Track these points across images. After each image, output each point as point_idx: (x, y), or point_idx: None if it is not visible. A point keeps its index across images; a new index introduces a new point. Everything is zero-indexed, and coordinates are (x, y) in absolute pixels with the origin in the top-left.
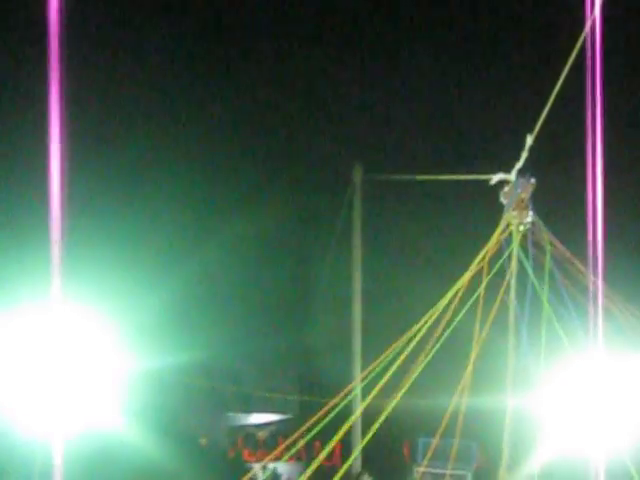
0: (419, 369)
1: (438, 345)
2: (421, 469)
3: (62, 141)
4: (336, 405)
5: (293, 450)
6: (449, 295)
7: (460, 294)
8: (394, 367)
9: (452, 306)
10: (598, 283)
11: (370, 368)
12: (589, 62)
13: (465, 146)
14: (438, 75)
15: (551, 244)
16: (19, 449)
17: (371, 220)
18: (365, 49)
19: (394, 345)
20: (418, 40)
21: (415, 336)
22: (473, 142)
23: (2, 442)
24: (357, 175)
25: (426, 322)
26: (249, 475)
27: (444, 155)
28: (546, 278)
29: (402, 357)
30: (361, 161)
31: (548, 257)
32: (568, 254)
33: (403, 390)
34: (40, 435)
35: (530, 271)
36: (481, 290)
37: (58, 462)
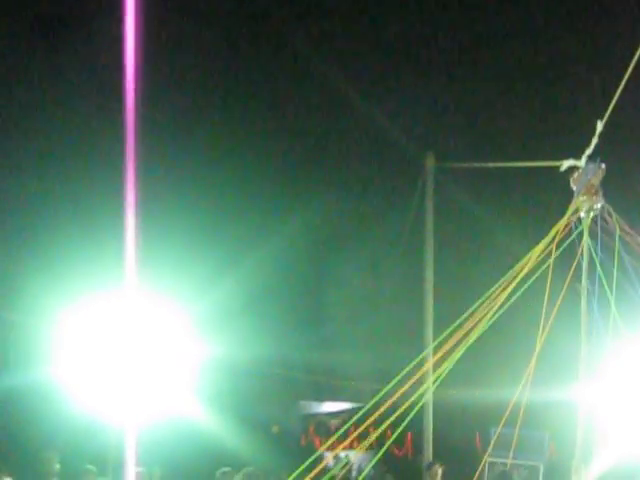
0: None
1: (490, 333)
2: (492, 459)
3: (136, 134)
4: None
5: (364, 439)
6: (517, 279)
7: (522, 277)
8: (458, 355)
9: (515, 290)
10: None
11: (440, 338)
12: None
13: (537, 132)
14: (506, 61)
15: (621, 229)
16: (94, 435)
17: (443, 208)
18: (433, 37)
19: (457, 334)
20: (484, 25)
21: (480, 323)
22: (545, 128)
23: (78, 427)
24: (429, 163)
25: (489, 310)
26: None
27: (516, 142)
28: (615, 263)
29: (467, 345)
30: (433, 149)
31: (617, 243)
32: (638, 239)
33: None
34: (115, 421)
35: (596, 256)
36: (550, 273)
37: (132, 448)
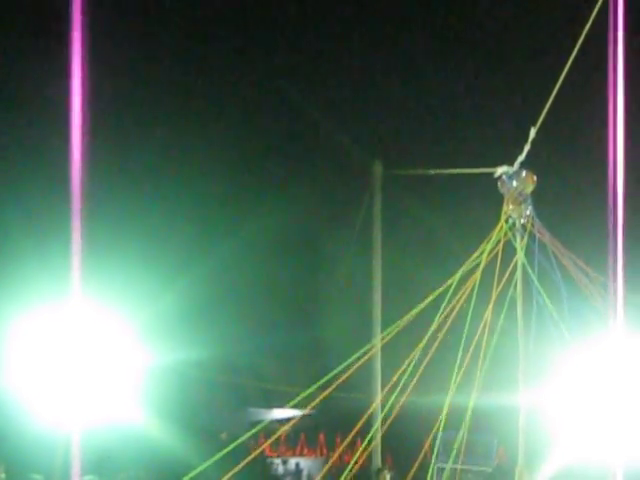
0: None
1: (436, 339)
2: (441, 465)
3: (83, 140)
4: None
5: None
6: (450, 287)
7: (456, 285)
8: (411, 363)
9: (458, 298)
10: (617, 279)
11: (387, 331)
12: (611, 47)
13: (477, 140)
14: (450, 71)
15: (542, 235)
16: (40, 443)
17: (389, 214)
18: (382, 47)
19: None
20: (429, 37)
21: (432, 333)
22: (484, 136)
23: (24, 436)
24: (377, 170)
25: (441, 317)
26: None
27: (458, 150)
28: (536, 271)
29: (416, 352)
30: (380, 157)
31: (537, 250)
32: (562, 248)
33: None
34: (61, 429)
35: (520, 264)
36: (476, 279)
37: (78, 457)
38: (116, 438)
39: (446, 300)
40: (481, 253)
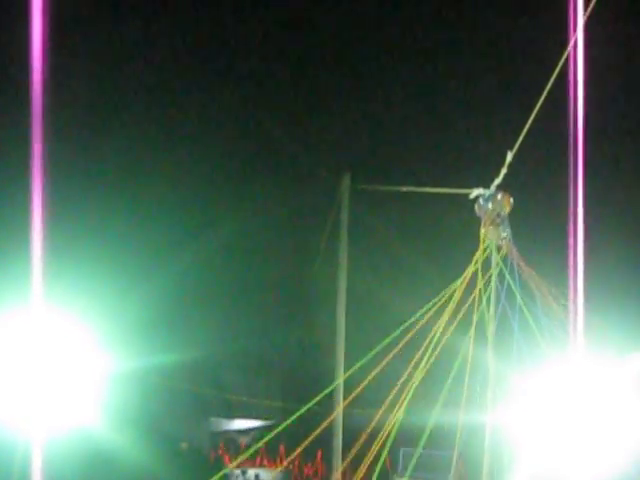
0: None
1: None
2: (401, 479)
3: (43, 140)
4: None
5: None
6: (431, 310)
7: (439, 307)
8: (371, 376)
9: (436, 318)
10: (576, 300)
11: (350, 370)
12: (571, 79)
13: (452, 160)
14: (424, 88)
15: (517, 260)
16: (1, 450)
17: (357, 228)
18: (353, 60)
19: (374, 350)
20: (405, 52)
21: (396, 348)
22: (460, 156)
23: None
24: (345, 184)
25: (405, 327)
26: None
27: (431, 168)
28: (503, 293)
29: (379, 368)
30: (349, 171)
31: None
32: (532, 273)
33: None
34: (20, 436)
35: (494, 284)
36: (456, 302)
37: (37, 463)
38: (75, 446)
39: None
40: (463, 279)
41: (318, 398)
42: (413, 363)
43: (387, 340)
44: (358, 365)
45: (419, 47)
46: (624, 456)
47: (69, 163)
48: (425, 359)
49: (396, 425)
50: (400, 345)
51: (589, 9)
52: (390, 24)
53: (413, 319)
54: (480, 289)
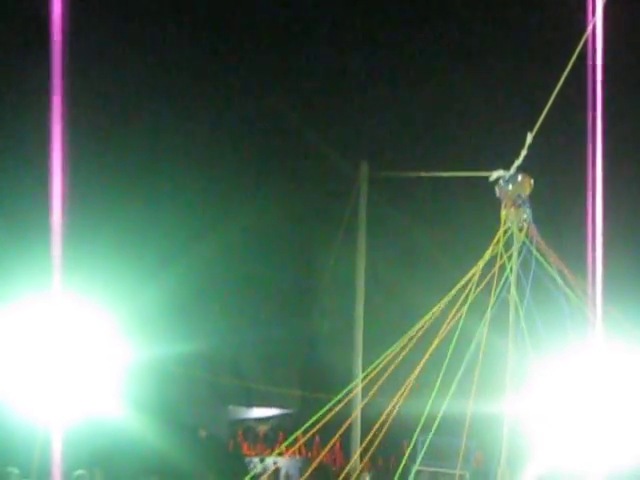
0: (416, 371)
1: (433, 346)
2: (420, 467)
3: (63, 135)
4: (337, 402)
5: (292, 446)
6: (451, 294)
7: (461, 293)
8: (393, 367)
9: (454, 305)
10: (595, 286)
11: (369, 369)
12: (590, 62)
13: (470, 144)
14: (443, 74)
15: (538, 242)
16: (21, 437)
17: (376, 216)
18: (371, 49)
19: (394, 345)
20: (421, 39)
21: (415, 335)
22: (478, 140)
23: (4, 430)
24: (363, 172)
25: (427, 321)
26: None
27: (449, 153)
28: (530, 276)
29: (401, 357)
30: (367, 158)
31: (533, 257)
32: (553, 256)
33: (401, 392)
34: (41, 424)
35: (516, 268)
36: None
37: (57, 450)
38: (96, 433)
39: (434, 311)
40: (479, 261)
41: (347, 389)
42: (431, 351)
43: (406, 336)
44: (379, 362)
45: (436, 31)
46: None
47: (90, 155)
48: (450, 347)
49: (413, 414)
50: (418, 334)
51: None
52: (405, 10)
53: (436, 308)
54: (499, 268)
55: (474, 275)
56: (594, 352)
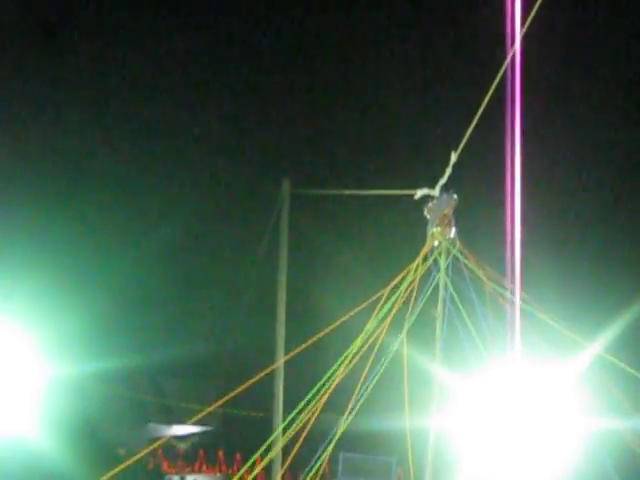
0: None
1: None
2: None
3: None
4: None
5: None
6: (363, 305)
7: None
8: (317, 385)
9: (379, 327)
10: (515, 293)
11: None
12: (509, 86)
13: (394, 162)
14: (366, 91)
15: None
16: None
17: (298, 232)
18: (294, 64)
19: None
20: (346, 54)
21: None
22: (402, 158)
23: None
24: (285, 188)
25: (334, 326)
26: None
27: (373, 171)
28: (447, 294)
29: (326, 375)
30: (289, 176)
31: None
32: (482, 270)
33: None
34: None
35: (442, 284)
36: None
37: None
38: (10, 450)
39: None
40: (407, 273)
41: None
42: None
43: (319, 335)
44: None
45: (364, 51)
46: (563, 459)
47: (11, 175)
48: (349, 358)
49: (336, 430)
50: (350, 355)
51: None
52: (326, 27)
53: (347, 317)
54: (419, 280)
55: (390, 287)
56: (513, 365)
